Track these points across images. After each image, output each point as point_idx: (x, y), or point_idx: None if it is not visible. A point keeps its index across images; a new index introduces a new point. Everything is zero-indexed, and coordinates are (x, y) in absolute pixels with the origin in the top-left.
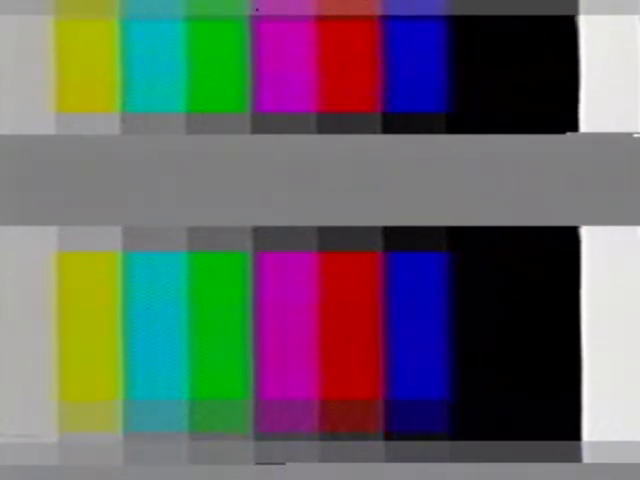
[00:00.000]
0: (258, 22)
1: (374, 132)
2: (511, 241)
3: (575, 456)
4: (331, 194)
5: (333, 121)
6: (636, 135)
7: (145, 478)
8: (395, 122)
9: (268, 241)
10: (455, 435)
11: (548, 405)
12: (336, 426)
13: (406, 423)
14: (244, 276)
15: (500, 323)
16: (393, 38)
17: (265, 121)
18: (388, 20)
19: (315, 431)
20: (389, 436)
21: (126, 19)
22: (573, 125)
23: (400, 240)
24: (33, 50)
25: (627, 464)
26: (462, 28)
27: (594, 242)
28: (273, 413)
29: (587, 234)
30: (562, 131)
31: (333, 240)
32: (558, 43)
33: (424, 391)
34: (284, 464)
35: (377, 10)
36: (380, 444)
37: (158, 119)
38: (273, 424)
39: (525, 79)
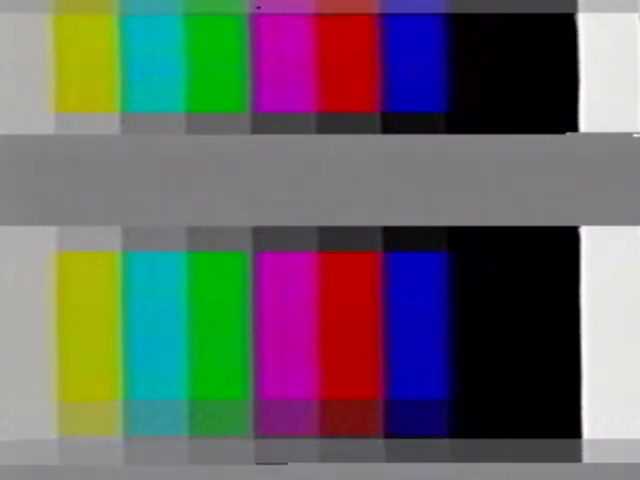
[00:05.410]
0: (258, 21)
1: (374, 132)
2: (511, 241)
3: (575, 455)
4: (331, 194)
5: (333, 121)
6: (636, 135)
7: (145, 478)
8: (395, 122)
9: (268, 241)
10: (455, 435)
11: (548, 404)
12: (336, 426)
13: (406, 423)
14: (244, 276)
15: (500, 323)
16: (393, 37)
17: (265, 121)
18: (388, 19)
19: (315, 431)
20: (389, 436)
21: (125, 18)
22: (573, 125)
23: (400, 240)
24: (33, 50)
25: (627, 464)
26: (462, 27)
27: (594, 242)
28: (273, 413)
29: (587, 234)
30: (562, 131)
31: (333, 240)
32: (558, 42)
33: (424, 391)
34: (284, 464)
35: (376, 9)
36: (380, 444)
37: (158, 119)
38: (273, 424)
39: (525, 79)
